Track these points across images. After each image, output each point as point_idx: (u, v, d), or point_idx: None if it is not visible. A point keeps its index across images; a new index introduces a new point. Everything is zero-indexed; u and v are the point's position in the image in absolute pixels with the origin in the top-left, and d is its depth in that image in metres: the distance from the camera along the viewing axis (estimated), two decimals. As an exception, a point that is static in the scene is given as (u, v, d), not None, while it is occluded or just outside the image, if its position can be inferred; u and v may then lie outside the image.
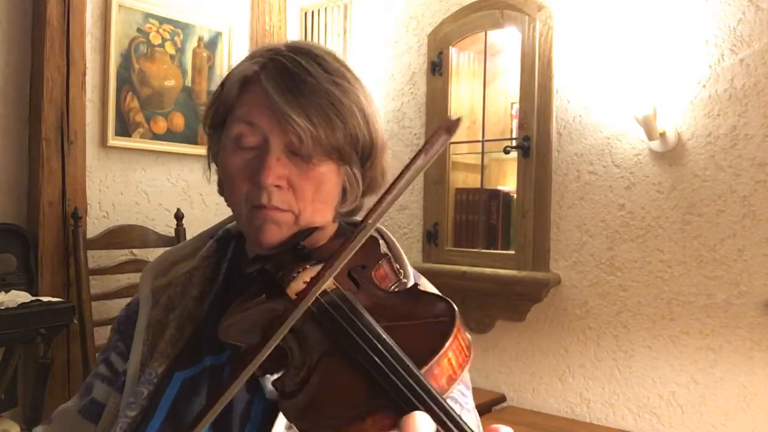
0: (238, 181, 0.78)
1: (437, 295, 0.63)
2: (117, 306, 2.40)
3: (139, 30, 2.70)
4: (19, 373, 2.25)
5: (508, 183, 2.67)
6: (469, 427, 0.49)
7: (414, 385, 0.50)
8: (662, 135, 2.13)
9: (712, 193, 2.08)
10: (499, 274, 2.45)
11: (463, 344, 0.56)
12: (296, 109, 0.73)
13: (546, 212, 2.42)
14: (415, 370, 0.52)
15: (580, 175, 2.35)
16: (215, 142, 0.83)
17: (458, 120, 0.56)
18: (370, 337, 0.56)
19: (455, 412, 0.50)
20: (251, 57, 0.80)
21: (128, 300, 0.96)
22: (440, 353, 0.53)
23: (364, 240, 0.56)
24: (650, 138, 2.15)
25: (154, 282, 0.88)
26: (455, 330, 0.55)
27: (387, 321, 0.58)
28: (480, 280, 2.48)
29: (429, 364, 0.52)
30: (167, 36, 2.79)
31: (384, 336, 0.56)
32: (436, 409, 0.49)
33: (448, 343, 0.54)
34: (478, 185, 2.63)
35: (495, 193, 2.61)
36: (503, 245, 2.56)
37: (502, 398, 2.53)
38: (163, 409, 0.76)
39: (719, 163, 2.07)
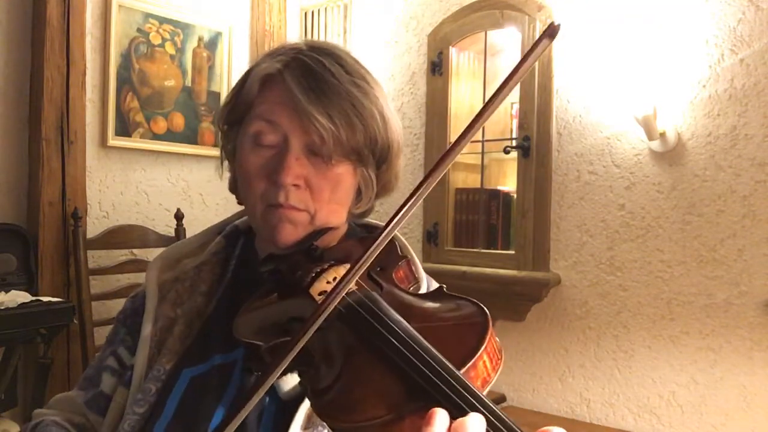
0: (256, 179, 0.77)
1: (466, 298, 0.61)
2: (117, 306, 2.39)
3: (139, 30, 2.70)
4: (19, 373, 2.24)
5: (508, 183, 2.66)
6: (518, 427, 0.48)
7: (457, 385, 0.49)
8: (662, 135, 2.13)
9: (712, 193, 2.08)
10: (499, 274, 2.45)
11: (496, 347, 0.55)
12: (319, 109, 0.73)
13: (546, 212, 2.42)
14: (454, 369, 0.50)
15: (580, 175, 2.36)
16: (231, 140, 0.83)
17: (559, 25, 0.55)
18: (405, 337, 0.54)
19: (503, 412, 0.49)
20: (272, 55, 0.80)
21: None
22: (477, 354, 0.52)
23: (392, 236, 0.54)
24: (650, 138, 2.15)
25: (160, 276, 0.87)
26: (489, 332, 0.54)
27: (417, 322, 0.57)
28: (480, 280, 2.48)
29: (466, 366, 0.51)
30: (167, 36, 2.79)
31: (418, 336, 0.54)
32: (483, 410, 0.48)
33: (484, 345, 0.53)
34: (478, 185, 2.63)
35: (495, 193, 2.61)
36: (503, 245, 2.56)
37: (502, 398, 2.53)
38: (171, 406, 0.76)
39: (719, 163, 2.07)
